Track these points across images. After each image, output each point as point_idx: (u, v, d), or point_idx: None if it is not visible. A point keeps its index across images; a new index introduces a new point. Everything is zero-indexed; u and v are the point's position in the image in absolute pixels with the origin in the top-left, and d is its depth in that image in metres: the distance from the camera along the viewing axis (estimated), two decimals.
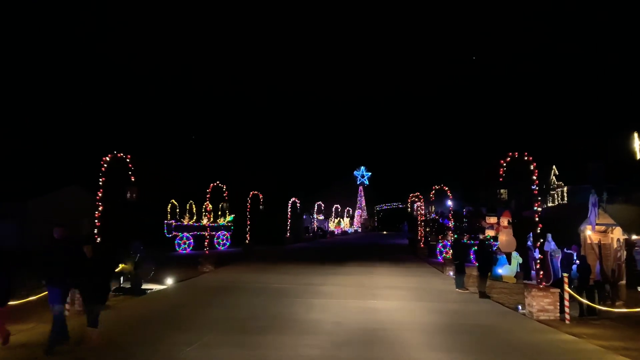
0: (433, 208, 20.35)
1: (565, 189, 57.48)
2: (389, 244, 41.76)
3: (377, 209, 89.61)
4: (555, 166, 59.11)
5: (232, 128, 63.16)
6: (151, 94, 55.74)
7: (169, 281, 16.70)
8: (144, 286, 15.22)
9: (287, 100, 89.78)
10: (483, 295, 14.29)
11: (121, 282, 14.71)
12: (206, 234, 20.74)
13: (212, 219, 32.57)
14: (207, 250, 20.43)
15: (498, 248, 20.59)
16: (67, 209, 33.44)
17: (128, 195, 12.50)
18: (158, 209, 33.99)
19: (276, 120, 76.96)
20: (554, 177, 60.08)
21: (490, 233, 27.25)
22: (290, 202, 39.14)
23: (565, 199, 57.33)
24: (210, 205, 20.64)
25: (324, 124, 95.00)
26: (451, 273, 19.86)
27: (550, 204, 58.66)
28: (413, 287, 16.31)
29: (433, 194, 20.70)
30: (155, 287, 15.98)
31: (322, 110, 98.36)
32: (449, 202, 20.63)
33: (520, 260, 18.52)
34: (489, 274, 16.39)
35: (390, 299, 13.90)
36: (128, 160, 12.63)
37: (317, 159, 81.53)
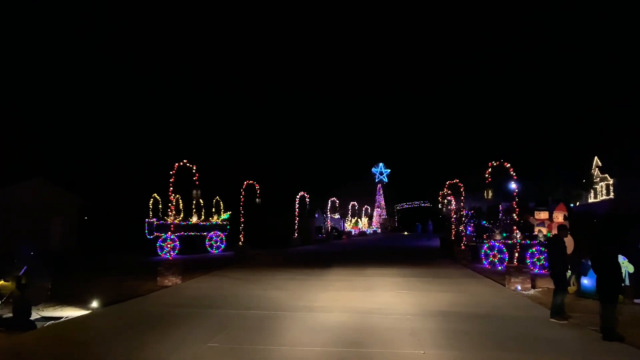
0: (490, 194, 14.17)
1: (611, 182, 50.73)
2: (416, 246, 35.41)
3: (398, 208, 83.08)
4: (598, 157, 52.37)
5: (237, 119, 57.60)
6: (154, 89, 50.53)
7: (94, 304, 10.94)
8: (40, 313, 9.53)
9: (300, 94, 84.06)
10: (611, 334, 8.10)
11: None
12: (170, 234, 14.95)
13: (181, 216, 26.93)
14: (170, 256, 14.62)
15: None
16: (31, 205, 28.11)
17: None
18: (139, 205, 28.48)
19: (289, 115, 71.27)
20: (597, 169, 53.07)
21: (541, 231, 21.18)
22: (298, 197, 33.12)
23: (611, 193, 50.59)
24: (173, 196, 14.81)
25: (340, 118, 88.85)
26: (519, 287, 13.71)
27: (592, 200, 51.93)
28: (473, 315, 10.19)
29: (489, 173, 14.51)
30: (69, 313, 10.27)
31: (338, 105, 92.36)
32: (512, 185, 14.41)
33: (631, 269, 12.23)
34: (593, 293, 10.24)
35: (445, 345, 7.84)
36: None
37: (333, 154, 75.47)
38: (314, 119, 79.58)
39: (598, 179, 52.23)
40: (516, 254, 14.66)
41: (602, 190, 51.35)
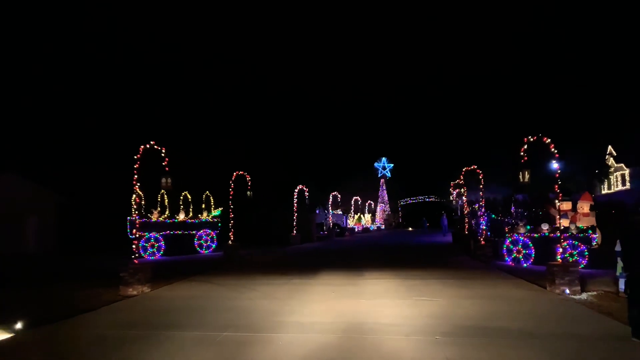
0: (527, 176, 11.44)
1: (627, 172, 47.92)
2: (426, 242, 32.72)
3: (402, 203, 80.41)
4: (612, 146, 49.56)
5: (236, 111, 54.79)
6: (142, 79, 47.62)
7: (20, 324, 8.31)
8: None
9: (301, 86, 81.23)
10: None
11: None
12: (134, 230, 12.31)
13: (167, 213, 24.35)
14: (135, 259, 11.96)
15: None
16: (3, 203, 25.50)
17: None
18: (124, 202, 25.82)
19: (290, 107, 68.40)
20: (611, 158, 50.29)
21: (564, 223, 18.51)
22: (296, 190, 30.43)
23: (627, 183, 47.85)
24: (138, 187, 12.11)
25: (342, 111, 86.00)
26: (567, 291, 11.03)
27: (606, 191, 49.22)
28: (524, 333, 7.52)
29: (524, 151, 11.81)
30: None
31: (340, 97, 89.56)
32: (554, 165, 11.73)
33: None
34: None
35: None
36: None
37: (335, 147, 72.60)
38: (315, 111, 76.79)
39: (613, 168, 49.50)
40: (560, 249, 11.96)
41: (617, 181, 48.65)
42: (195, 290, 12.28)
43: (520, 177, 11.67)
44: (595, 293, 10.87)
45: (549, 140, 11.60)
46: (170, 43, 63.52)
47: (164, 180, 11.99)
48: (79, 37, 48.04)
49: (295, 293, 11.49)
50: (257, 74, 72.97)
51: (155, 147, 12.05)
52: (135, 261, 11.98)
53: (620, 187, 47.11)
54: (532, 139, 11.72)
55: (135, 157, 11.98)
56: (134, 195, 12.01)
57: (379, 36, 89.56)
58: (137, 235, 23.24)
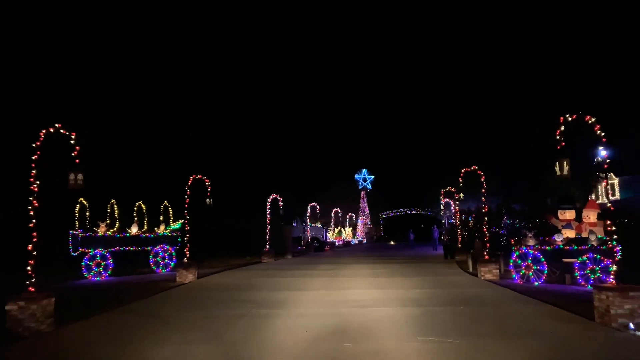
0: (566, 167, 8.51)
1: (616, 181, 46.11)
2: (414, 256, 29.59)
3: (383, 216, 77.73)
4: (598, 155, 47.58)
5: (206, 116, 51.16)
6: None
7: None
8: None
9: (281, 94, 78.16)
10: None
11: None
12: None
13: (117, 226, 20.93)
14: (31, 287, 8.50)
15: None
16: None
17: None
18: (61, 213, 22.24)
19: (263, 110, 65.03)
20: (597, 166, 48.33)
21: (568, 234, 15.88)
22: (269, 200, 27.13)
23: (617, 193, 45.94)
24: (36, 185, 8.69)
25: (321, 119, 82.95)
26: (631, 325, 8.00)
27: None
28: None
29: (560, 134, 8.85)
30: None
31: (319, 104, 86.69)
32: (602, 152, 8.83)
33: None
34: None
35: None
36: None
37: (313, 156, 69.61)
38: (292, 117, 73.80)
39: (602, 177, 47.59)
40: (614, 267, 8.98)
41: (603, 190, 46.81)
42: (115, 327, 8.87)
43: (557, 168, 8.71)
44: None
45: (593, 119, 8.67)
46: (170, 43, 59.94)
47: (72, 176, 8.68)
48: (79, 37, 43.97)
49: (255, 331, 8.24)
50: (245, 75, 69.95)
51: (62, 131, 8.72)
52: (31, 289, 8.55)
53: (610, 197, 45.28)
54: (570, 118, 8.77)
55: (34, 145, 8.61)
56: (32, 198, 8.60)
57: (364, 35, 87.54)
58: (79, 253, 20.05)
